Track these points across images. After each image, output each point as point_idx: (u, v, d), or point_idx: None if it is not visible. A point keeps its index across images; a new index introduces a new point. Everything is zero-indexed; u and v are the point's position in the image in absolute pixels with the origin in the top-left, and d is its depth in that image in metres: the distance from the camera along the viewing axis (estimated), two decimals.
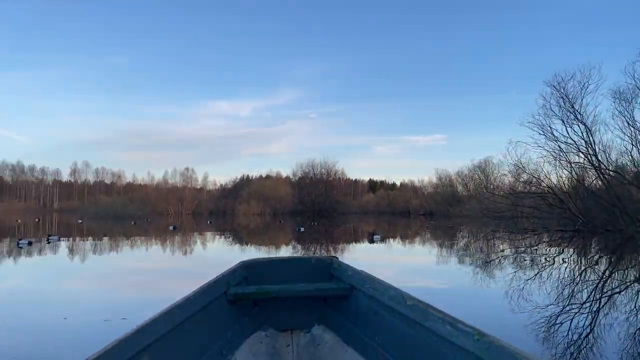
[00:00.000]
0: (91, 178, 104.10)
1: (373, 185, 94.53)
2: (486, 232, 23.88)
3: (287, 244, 16.24)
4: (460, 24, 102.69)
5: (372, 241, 16.12)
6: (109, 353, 1.46)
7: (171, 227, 25.49)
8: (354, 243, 17.05)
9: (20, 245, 13.34)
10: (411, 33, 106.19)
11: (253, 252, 12.98)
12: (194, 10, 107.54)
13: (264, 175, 79.66)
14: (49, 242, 14.97)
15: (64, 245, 14.28)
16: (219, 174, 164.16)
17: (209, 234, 21.77)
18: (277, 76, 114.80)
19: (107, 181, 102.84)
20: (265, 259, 2.76)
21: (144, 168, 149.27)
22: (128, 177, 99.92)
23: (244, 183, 75.36)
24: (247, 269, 2.65)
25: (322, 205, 65.45)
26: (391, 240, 18.26)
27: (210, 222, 35.23)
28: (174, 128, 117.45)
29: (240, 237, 20.97)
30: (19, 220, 37.40)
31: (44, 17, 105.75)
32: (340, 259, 2.73)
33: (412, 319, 1.90)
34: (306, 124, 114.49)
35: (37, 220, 39.08)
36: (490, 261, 10.95)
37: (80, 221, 35.61)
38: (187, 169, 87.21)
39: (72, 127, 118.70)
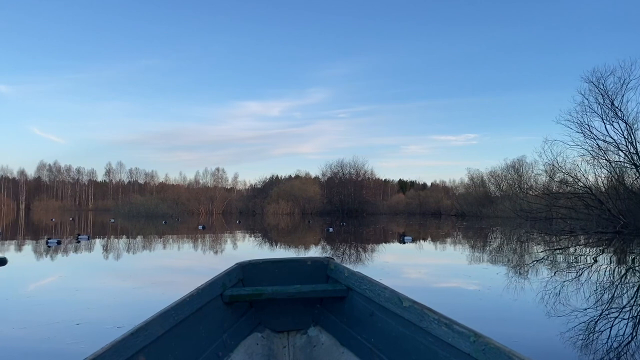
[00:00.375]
0: (125, 178, 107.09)
1: (403, 186, 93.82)
2: (520, 233, 23.30)
3: (316, 244, 16.20)
4: (491, 22, 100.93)
5: (402, 242, 15.90)
6: (104, 355, 1.46)
7: (200, 227, 25.69)
8: (384, 244, 16.87)
9: (49, 245, 13.49)
10: (442, 32, 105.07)
11: (281, 252, 12.99)
12: (223, 13, 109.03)
13: (293, 176, 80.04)
14: (78, 242, 15.09)
15: (92, 244, 14.46)
16: (249, 174, 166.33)
17: (238, 234, 21.94)
18: (307, 77, 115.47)
19: (141, 181, 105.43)
20: (261, 260, 2.74)
21: (176, 168, 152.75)
22: (161, 177, 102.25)
23: (273, 183, 75.81)
24: (243, 270, 2.65)
25: (351, 205, 65.19)
26: (422, 241, 18.00)
27: (239, 222, 35.48)
28: (205, 129, 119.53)
29: (270, 236, 21.04)
30: (54, 219, 38.54)
31: (78, 22, 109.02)
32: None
33: (408, 320, 1.91)
34: (336, 124, 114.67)
35: (71, 219, 40.12)
36: (525, 263, 10.65)
37: (112, 220, 36.42)
38: (217, 169, 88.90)
39: (107, 128, 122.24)
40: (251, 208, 68.53)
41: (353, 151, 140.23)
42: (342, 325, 2.40)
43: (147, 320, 1.76)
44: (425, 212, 68.82)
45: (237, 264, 2.67)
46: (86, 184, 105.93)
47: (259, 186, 78.30)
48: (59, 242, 13.87)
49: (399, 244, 15.93)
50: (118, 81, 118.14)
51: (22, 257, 11.20)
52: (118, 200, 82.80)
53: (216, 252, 12.88)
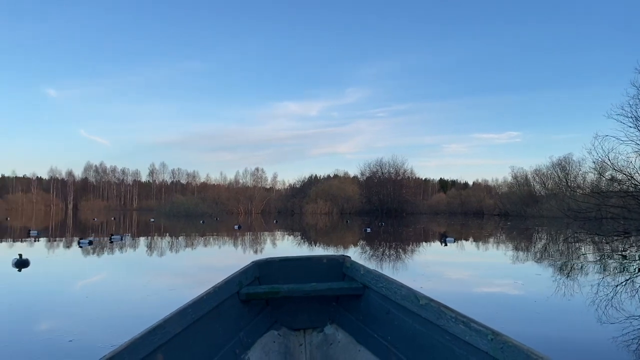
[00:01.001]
0: (168, 178, 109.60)
1: (444, 185, 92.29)
2: (568, 233, 22.39)
3: (355, 244, 16.04)
4: (534, 18, 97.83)
5: (444, 243, 15.48)
6: (123, 352, 1.47)
7: (235, 227, 25.81)
8: (424, 245, 16.52)
9: (80, 245, 13.49)
10: (482, 29, 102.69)
11: (320, 252, 12.89)
12: (263, 15, 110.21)
13: (331, 175, 79.98)
14: (111, 242, 15.06)
15: (123, 244, 14.45)
16: (288, 174, 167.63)
17: (276, 233, 22.02)
18: (345, 76, 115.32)
19: (183, 181, 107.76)
20: (277, 258, 2.75)
21: (217, 168, 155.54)
22: (202, 178, 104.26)
23: (312, 183, 75.92)
24: (260, 268, 2.67)
25: (391, 205, 64.54)
26: (464, 241, 17.53)
27: (276, 222, 35.60)
28: (246, 129, 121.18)
29: (308, 236, 21.01)
30: (96, 219, 39.81)
31: (123, 27, 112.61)
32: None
33: (425, 319, 1.89)
34: (374, 123, 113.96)
35: (113, 218, 41.30)
36: (575, 265, 10.16)
37: (152, 220, 37.30)
38: (257, 169, 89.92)
39: (151, 130, 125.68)
40: (290, 208, 68.89)
41: (391, 150, 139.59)
42: (359, 323, 2.39)
43: (164, 318, 1.77)
44: (467, 211, 67.39)
45: (253, 262, 2.67)
46: (130, 184, 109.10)
47: (297, 186, 78.62)
48: (90, 243, 13.93)
49: (440, 245, 15.54)
50: (161, 84, 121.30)
51: (52, 257, 11.54)
52: (161, 200, 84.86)
53: (245, 252, 12.91)
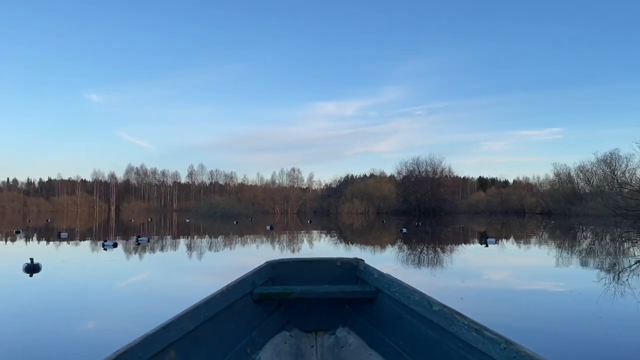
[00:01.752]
0: (206, 179, 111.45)
1: (483, 183, 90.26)
2: (616, 233, 21.27)
3: (392, 244, 15.63)
4: (576, 12, 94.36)
5: (484, 244, 14.83)
6: (136, 348, 1.48)
7: (268, 227, 25.49)
8: (463, 246, 15.91)
9: (105, 247, 13.21)
10: (524, 23, 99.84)
11: (357, 252, 12.56)
12: (299, 17, 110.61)
13: (367, 175, 79.33)
14: (138, 244, 14.80)
15: (149, 246, 14.25)
16: (324, 174, 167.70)
17: (313, 233, 21.79)
18: (381, 75, 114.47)
19: (221, 182, 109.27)
20: (290, 259, 2.75)
21: (254, 169, 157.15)
22: (239, 178, 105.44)
23: (348, 182, 75.50)
24: (273, 269, 2.67)
25: (428, 204, 63.37)
26: (506, 241, 16.82)
27: (310, 222, 35.24)
28: (282, 130, 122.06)
29: (344, 236, 20.71)
30: (132, 220, 40.59)
31: (164, 32, 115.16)
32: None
33: (437, 325, 1.87)
34: (412, 121, 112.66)
35: (149, 219, 41.94)
36: (628, 268, 9.48)
37: (188, 220, 37.62)
38: (293, 169, 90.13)
39: (189, 132, 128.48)
40: (325, 208, 68.64)
41: (429, 149, 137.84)
42: (371, 327, 2.38)
43: (178, 315, 1.79)
44: (507, 210, 65.49)
45: (267, 262, 2.67)
46: (170, 185, 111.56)
47: (333, 186, 78.34)
48: (114, 245, 13.65)
49: (480, 245, 14.93)
50: (199, 87, 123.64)
51: (72, 260, 11.61)
52: (200, 201, 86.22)
53: (270, 252, 12.71)
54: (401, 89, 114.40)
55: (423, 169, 68.55)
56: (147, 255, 11.95)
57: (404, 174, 70.35)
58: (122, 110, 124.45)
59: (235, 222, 33.33)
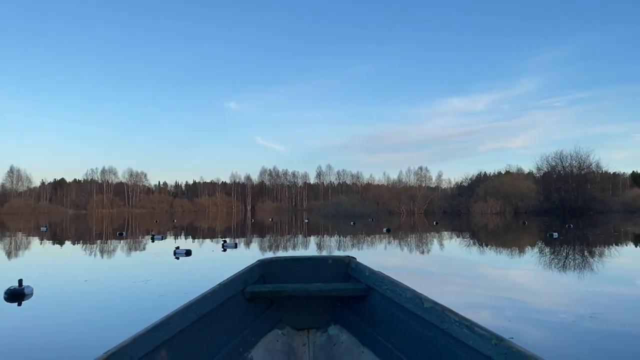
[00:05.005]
0: (334, 180, 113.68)
1: (637, 179, 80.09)
2: None
3: (541, 252, 13.46)
4: None
5: None
6: (126, 348, 1.47)
7: (384, 230, 22.15)
8: None
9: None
10: None
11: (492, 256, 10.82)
12: (421, 13, 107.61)
13: (502, 172, 73.76)
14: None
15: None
16: (454, 172, 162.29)
17: (443, 234, 20.04)
18: (514, 66, 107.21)
19: (348, 182, 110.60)
20: (282, 257, 2.71)
21: (380, 169, 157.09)
22: (366, 178, 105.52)
23: (481, 180, 70.76)
24: (265, 267, 2.64)
25: (574, 203, 56.87)
26: None
27: (436, 223, 31.83)
28: (408, 129, 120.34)
29: (480, 238, 18.66)
30: (253, 220, 41.60)
31: (292, 39, 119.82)
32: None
33: (429, 322, 1.86)
34: (550, 114, 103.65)
35: (270, 219, 41.22)
36: None
37: (306, 220, 37.35)
38: (420, 168, 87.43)
39: (318, 134, 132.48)
40: (455, 207, 64.87)
41: (571, 143, 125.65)
42: (363, 325, 2.35)
43: (168, 315, 1.77)
44: None
45: (258, 260, 2.63)
46: (301, 186, 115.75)
47: (464, 184, 74.01)
48: (188, 253, 11.53)
49: None
50: (326, 90, 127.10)
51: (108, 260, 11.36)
52: (327, 201, 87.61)
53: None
54: (537, 79, 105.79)
55: (567, 164, 62.01)
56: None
57: (545, 169, 64.31)
58: (256, 116, 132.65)
59: (352, 223, 30.57)
